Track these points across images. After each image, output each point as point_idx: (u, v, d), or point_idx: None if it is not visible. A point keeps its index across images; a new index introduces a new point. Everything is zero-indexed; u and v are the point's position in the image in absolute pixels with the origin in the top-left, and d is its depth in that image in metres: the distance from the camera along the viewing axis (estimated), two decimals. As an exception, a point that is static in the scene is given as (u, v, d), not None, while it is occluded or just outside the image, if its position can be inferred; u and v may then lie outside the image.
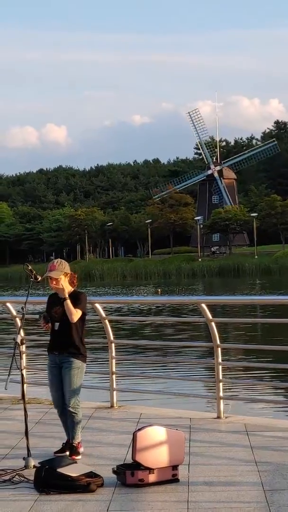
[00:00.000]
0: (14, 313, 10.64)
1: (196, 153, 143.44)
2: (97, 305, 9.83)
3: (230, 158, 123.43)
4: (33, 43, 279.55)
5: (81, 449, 7.49)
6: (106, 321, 9.87)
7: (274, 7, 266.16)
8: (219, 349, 9.07)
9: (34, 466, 6.81)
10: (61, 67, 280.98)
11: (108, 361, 9.94)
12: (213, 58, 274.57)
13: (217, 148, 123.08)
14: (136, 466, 6.49)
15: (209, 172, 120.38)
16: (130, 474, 6.44)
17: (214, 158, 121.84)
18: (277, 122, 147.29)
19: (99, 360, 12.61)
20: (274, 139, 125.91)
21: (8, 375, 7.06)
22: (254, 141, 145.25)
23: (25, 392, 7.45)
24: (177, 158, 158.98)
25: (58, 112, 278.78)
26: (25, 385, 7.53)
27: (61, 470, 6.43)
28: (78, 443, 7.47)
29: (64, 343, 7.48)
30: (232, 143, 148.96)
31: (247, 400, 13.52)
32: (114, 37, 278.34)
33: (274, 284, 59.50)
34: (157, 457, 6.51)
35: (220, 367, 9.04)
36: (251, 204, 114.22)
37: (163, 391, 13.27)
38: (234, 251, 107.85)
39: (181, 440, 6.73)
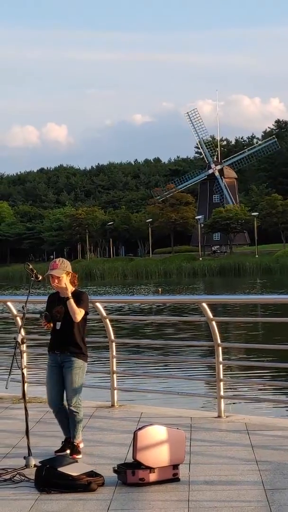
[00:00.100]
0: (15, 312, 10.65)
1: (197, 152, 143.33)
2: (98, 304, 9.83)
3: (231, 157, 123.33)
4: (33, 42, 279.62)
5: (81, 445, 7.48)
6: (107, 320, 9.88)
7: (275, 6, 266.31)
8: (220, 348, 9.07)
9: (35, 465, 6.81)
10: (62, 66, 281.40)
11: (109, 360, 9.94)
12: (214, 57, 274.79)
13: (217, 147, 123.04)
14: (136, 465, 6.49)
15: (210, 171, 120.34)
16: (131, 473, 6.45)
17: (215, 157, 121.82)
18: (278, 121, 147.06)
19: (100, 359, 12.62)
20: (274, 136, 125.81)
21: (9, 374, 7.07)
22: (255, 140, 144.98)
23: (25, 391, 7.46)
24: (178, 157, 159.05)
25: (59, 111, 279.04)
26: (25, 384, 7.54)
27: (61, 469, 6.44)
28: (79, 442, 7.48)
29: (66, 343, 7.46)
30: (233, 142, 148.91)
31: (248, 399, 13.52)
32: (115, 36, 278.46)
33: (275, 283, 59.52)
34: (158, 456, 6.51)
35: (221, 366, 9.04)
36: (251, 203, 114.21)
37: (164, 390, 13.30)
38: (234, 250, 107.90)
39: (182, 439, 6.72)
